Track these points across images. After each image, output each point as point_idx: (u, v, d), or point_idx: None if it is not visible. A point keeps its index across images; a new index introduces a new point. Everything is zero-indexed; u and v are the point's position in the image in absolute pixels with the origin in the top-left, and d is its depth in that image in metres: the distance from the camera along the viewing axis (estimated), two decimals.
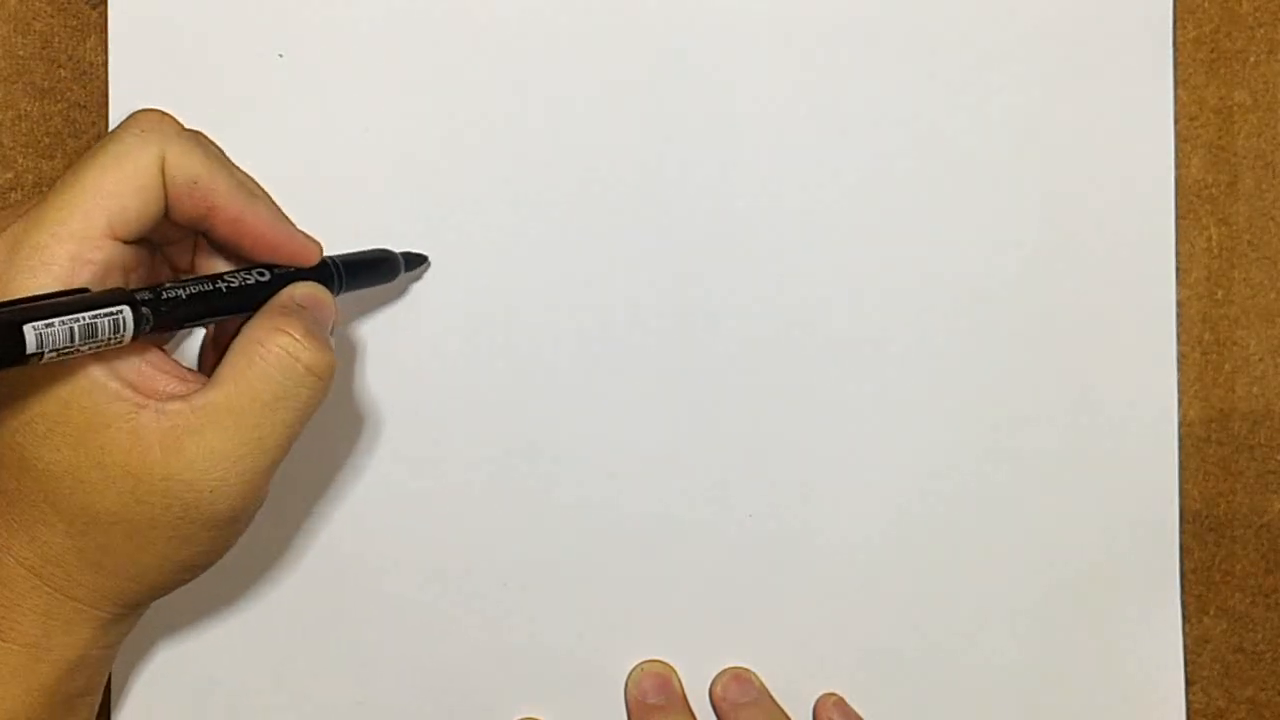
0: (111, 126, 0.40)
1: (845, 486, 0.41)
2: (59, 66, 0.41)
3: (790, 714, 0.41)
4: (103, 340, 0.28)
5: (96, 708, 0.35)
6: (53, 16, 0.41)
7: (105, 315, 0.28)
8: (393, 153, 0.41)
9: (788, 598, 0.41)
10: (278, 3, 0.41)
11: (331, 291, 0.35)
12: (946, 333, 0.41)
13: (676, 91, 0.41)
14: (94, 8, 0.41)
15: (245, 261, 0.34)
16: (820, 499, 0.41)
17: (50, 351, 0.27)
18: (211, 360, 0.34)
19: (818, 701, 0.41)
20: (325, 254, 0.35)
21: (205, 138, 0.33)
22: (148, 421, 0.30)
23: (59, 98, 0.41)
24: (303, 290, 0.33)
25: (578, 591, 0.41)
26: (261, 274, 0.33)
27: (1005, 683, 0.42)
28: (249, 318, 0.32)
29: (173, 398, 0.31)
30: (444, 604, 0.41)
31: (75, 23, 0.41)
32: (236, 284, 0.32)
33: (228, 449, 0.30)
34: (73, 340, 0.28)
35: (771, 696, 0.41)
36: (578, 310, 0.41)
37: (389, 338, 0.41)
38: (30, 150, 0.41)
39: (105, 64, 0.40)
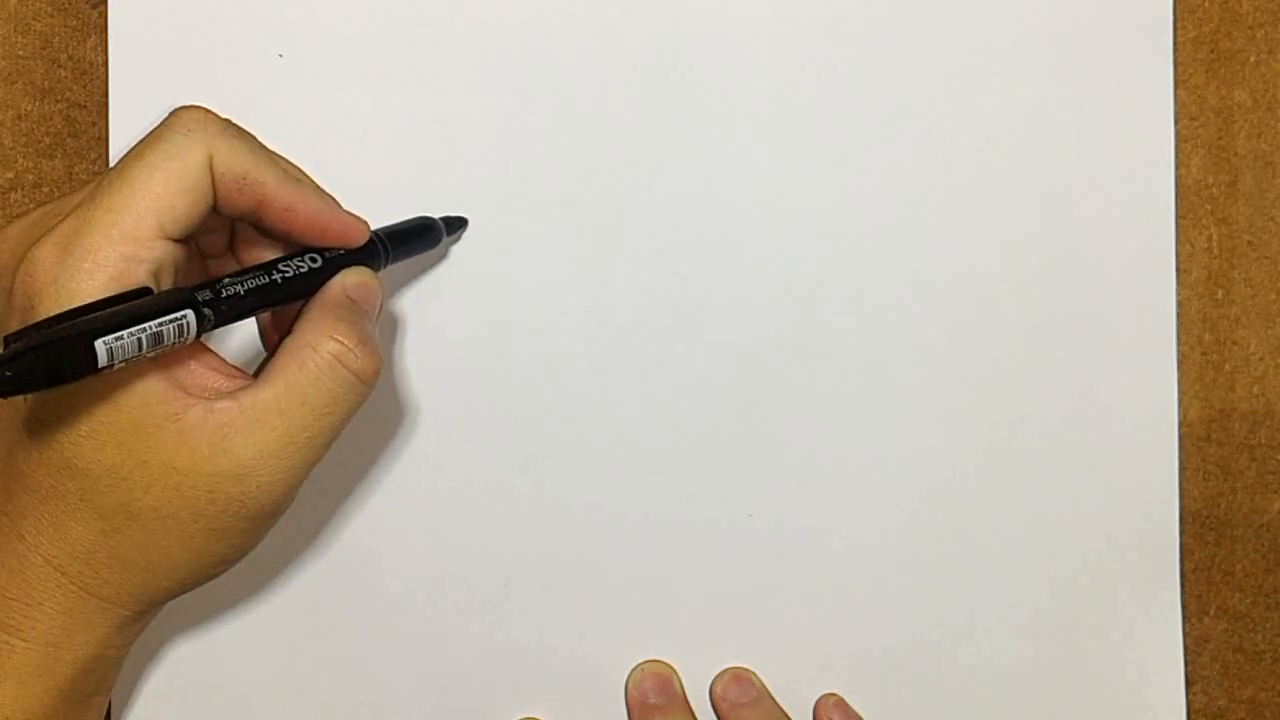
0: (112, 126, 0.40)
1: (845, 486, 0.41)
2: (59, 66, 0.41)
3: (790, 714, 0.41)
4: (168, 345, 0.29)
5: (105, 709, 0.35)
6: (53, 16, 0.41)
7: (170, 322, 0.28)
8: (392, 153, 0.41)
9: (788, 598, 0.41)
10: (278, 3, 0.41)
11: (378, 268, 0.35)
12: (947, 333, 0.41)
13: (676, 92, 0.41)
14: (94, 8, 0.41)
15: (291, 245, 0.34)
16: (820, 499, 0.41)
17: (120, 362, 0.27)
18: (274, 341, 0.35)
19: (818, 701, 0.41)
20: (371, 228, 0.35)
21: (244, 130, 0.33)
22: (195, 420, 0.30)
23: (59, 98, 0.41)
24: (353, 279, 0.33)
25: (578, 592, 0.41)
26: (314, 259, 0.33)
27: (1005, 683, 0.42)
28: (304, 304, 0.33)
29: (220, 395, 0.31)
30: (445, 604, 0.41)
31: (75, 23, 0.41)
32: (290, 273, 0.32)
33: (275, 448, 0.30)
34: (140, 350, 0.28)
35: (771, 696, 0.41)
36: (578, 311, 0.41)
37: (389, 339, 0.41)
38: (30, 150, 0.41)
39: (105, 64, 0.40)
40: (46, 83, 0.41)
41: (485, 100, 0.41)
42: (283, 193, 0.32)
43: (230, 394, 0.31)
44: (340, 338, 0.31)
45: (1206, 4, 0.42)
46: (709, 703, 0.41)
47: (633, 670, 0.41)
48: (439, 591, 0.41)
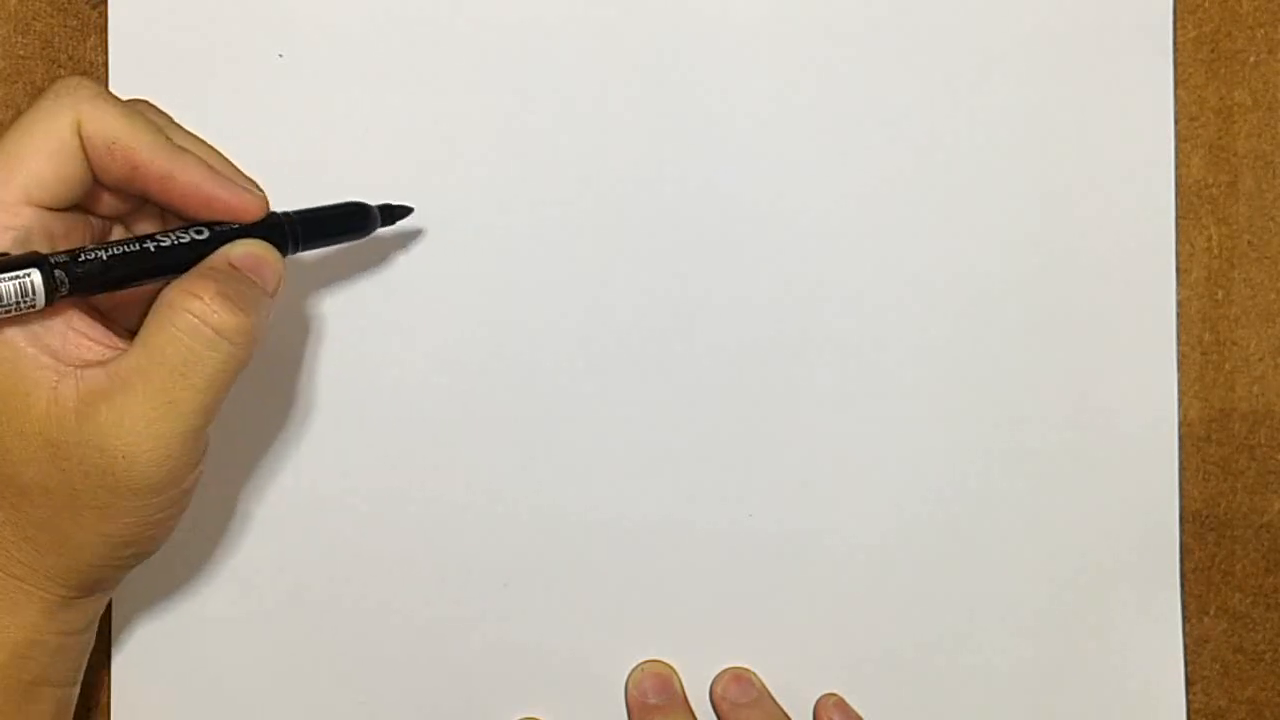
0: None
1: (845, 486, 0.41)
2: (59, 66, 0.41)
3: (790, 714, 0.41)
4: (10, 304, 0.28)
5: (69, 704, 0.35)
6: (53, 16, 0.41)
7: (11, 279, 0.28)
8: (393, 153, 0.41)
9: (788, 598, 0.41)
10: (278, 3, 0.41)
11: (285, 250, 0.34)
12: (947, 333, 0.41)
13: (676, 92, 0.41)
14: (94, 8, 0.41)
15: (193, 222, 0.33)
16: (820, 499, 0.41)
17: None
18: None
19: (818, 702, 0.41)
20: (285, 209, 0.34)
21: (144, 103, 0.33)
22: (67, 389, 0.30)
23: None
24: (241, 250, 0.32)
25: (578, 592, 0.41)
26: (200, 232, 0.32)
27: (1005, 683, 0.42)
28: None
29: (95, 364, 0.30)
30: (444, 604, 0.41)
31: (75, 23, 0.41)
32: (168, 244, 0.31)
33: (137, 415, 0.30)
34: None
35: (772, 697, 0.41)
36: (578, 310, 0.41)
37: (390, 339, 0.41)
38: None
39: (105, 64, 0.40)
40: (46, 83, 0.41)
41: (485, 100, 0.41)
42: (157, 159, 0.31)
43: (103, 362, 0.30)
44: (197, 293, 0.30)
45: (1206, 4, 0.42)
46: (709, 703, 0.41)
47: (633, 670, 0.41)
48: (439, 591, 0.41)
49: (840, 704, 0.41)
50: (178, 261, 0.31)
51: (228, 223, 0.32)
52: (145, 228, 0.34)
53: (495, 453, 0.41)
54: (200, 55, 0.40)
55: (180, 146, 0.32)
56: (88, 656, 0.35)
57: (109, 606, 0.40)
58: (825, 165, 0.41)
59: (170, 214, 0.33)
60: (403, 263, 0.40)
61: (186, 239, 0.32)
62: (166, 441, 0.30)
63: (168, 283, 0.31)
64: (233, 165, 0.33)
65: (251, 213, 0.32)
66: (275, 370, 0.40)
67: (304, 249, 0.35)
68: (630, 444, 0.41)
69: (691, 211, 0.41)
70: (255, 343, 0.31)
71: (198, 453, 0.32)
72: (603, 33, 0.41)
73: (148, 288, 0.32)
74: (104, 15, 0.41)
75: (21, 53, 0.41)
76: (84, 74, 0.41)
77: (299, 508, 0.41)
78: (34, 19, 0.41)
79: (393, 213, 0.38)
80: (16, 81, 0.41)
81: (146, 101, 0.33)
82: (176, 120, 0.33)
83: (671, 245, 0.41)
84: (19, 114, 0.41)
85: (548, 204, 0.41)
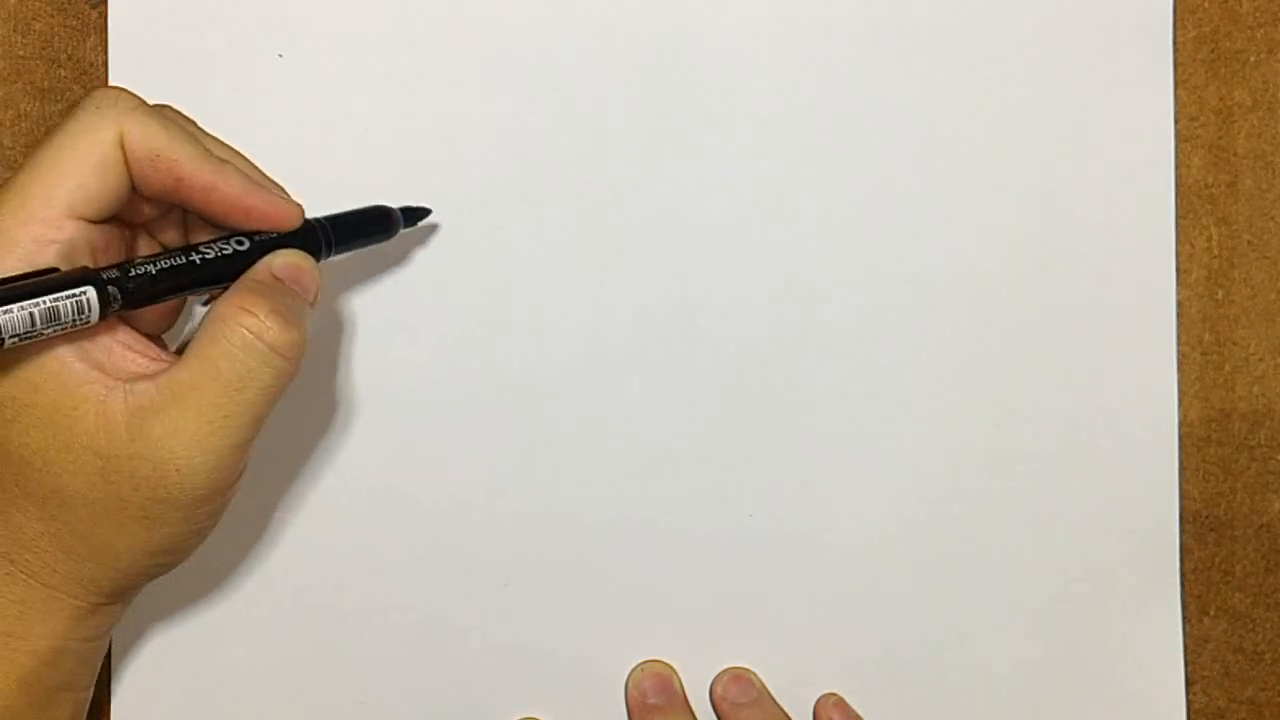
0: None
1: (845, 487, 0.41)
2: (59, 66, 0.41)
3: (790, 714, 0.41)
4: (67, 323, 0.28)
5: (84, 707, 0.35)
6: (53, 16, 0.41)
7: (67, 297, 0.28)
8: (393, 153, 0.41)
9: (788, 598, 0.41)
10: (278, 3, 0.41)
11: (319, 255, 0.34)
12: (947, 333, 0.41)
13: (676, 92, 0.41)
14: (94, 8, 0.41)
15: (230, 231, 0.33)
16: (820, 499, 0.41)
17: (11, 337, 0.27)
18: None
19: (818, 702, 0.41)
20: (314, 215, 0.34)
21: (171, 110, 0.33)
22: (115, 402, 0.30)
23: (59, 98, 0.41)
24: (282, 260, 0.33)
25: (578, 592, 0.41)
26: (240, 242, 0.32)
27: (1005, 683, 0.42)
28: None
29: (142, 377, 0.30)
30: (444, 604, 0.41)
31: (75, 23, 0.41)
32: (212, 255, 0.32)
33: (192, 429, 0.30)
34: (34, 325, 0.28)
35: (772, 697, 0.41)
36: (578, 310, 0.41)
37: (388, 339, 0.41)
38: (30, 150, 0.41)
39: (105, 64, 0.40)
40: (46, 83, 0.41)
41: (485, 100, 0.41)
42: (200, 171, 0.31)
43: (150, 375, 0.30)
44: (251, 309, 0.31)
45: (1206, 4, 0.42)
46: (709, 703, 0.41)
47: (633, 670, 0.41)
48: (439, 591, 0.41)
49: (840, 704, 0.41)
50: (222, 272, 0.32)
51: (265, 231, 0.33)
52: (170, 235, 0.34)
53: (495, 453, 0.41)
54: (200, 55, 0.40)
55: (220, 158, 0.32)
56: (102, 661, 0.36)
57: None
58: (825, 165, 0.41)
59: (196, 221, 0.34)
60: (401, 263, 0.40)
61: (229, 250, 0.32)
62: (218, 454, 0.30)
63: (207, 293, 0.32)
64: (265, 174, 0.34)
65: (290, 221, 0.33)
66: None
67: (334, 254, 0.35)
68: (630, 444, 0.41)
69: (692, 211, 0.41)
70: (303, 356, 0.32)
71: (244, 464, 0.32)
72: (603, 33, 0.41)
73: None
74: (104, 15, 0.41)
75: (21, 53, 0.41)
76: (84, 74, 0.41)
77: (299, 508, 0.41)
78: (34, 19, 0.41)
79: (414, 215, 0.38)
80: (16, 81, 0.41)
81: (171, 107, 0.33)
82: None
83: (672, 245, 0.41)
84: (19, 114, 0.41)
85: (547, 204, 0.41)
